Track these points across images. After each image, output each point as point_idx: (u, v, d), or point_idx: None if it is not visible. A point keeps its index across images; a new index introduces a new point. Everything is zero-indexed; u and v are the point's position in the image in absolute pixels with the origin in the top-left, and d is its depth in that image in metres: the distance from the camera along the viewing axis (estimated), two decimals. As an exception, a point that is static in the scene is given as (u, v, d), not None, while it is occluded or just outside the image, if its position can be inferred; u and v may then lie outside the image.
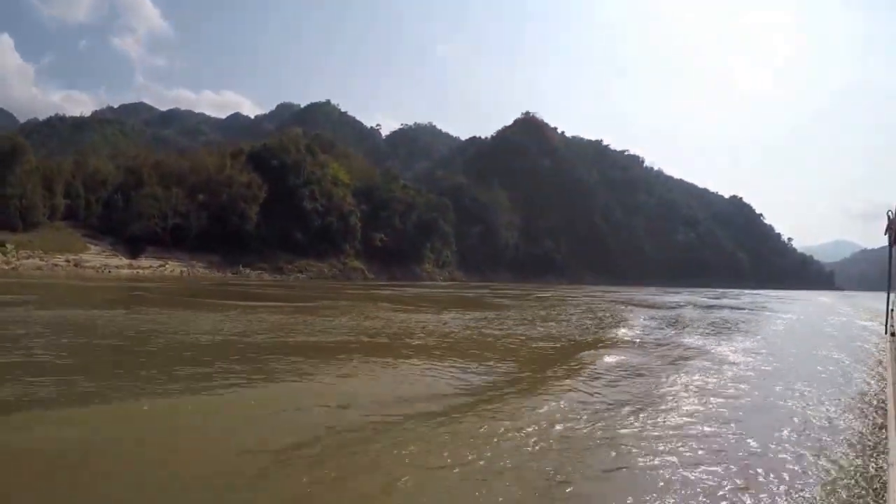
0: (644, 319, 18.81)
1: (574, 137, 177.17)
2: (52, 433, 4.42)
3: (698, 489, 3.96)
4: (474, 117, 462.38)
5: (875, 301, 39.06)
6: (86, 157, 58.50)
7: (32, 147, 53.48)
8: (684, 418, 5.88)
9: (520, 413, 5.61)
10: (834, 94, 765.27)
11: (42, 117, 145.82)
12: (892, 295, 10.11)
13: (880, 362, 10.75)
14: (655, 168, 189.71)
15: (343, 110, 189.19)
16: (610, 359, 9.65)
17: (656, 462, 4.47)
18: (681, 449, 4.82)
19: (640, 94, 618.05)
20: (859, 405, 6.92)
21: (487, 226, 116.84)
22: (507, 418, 5.36)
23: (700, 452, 4.78)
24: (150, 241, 56.49)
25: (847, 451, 4.93)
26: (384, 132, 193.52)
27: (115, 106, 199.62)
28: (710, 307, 29.73)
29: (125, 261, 52.63)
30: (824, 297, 62.69)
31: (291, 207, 73.38)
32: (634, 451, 4.69)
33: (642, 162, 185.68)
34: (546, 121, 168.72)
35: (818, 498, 3.89)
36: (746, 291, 74.65)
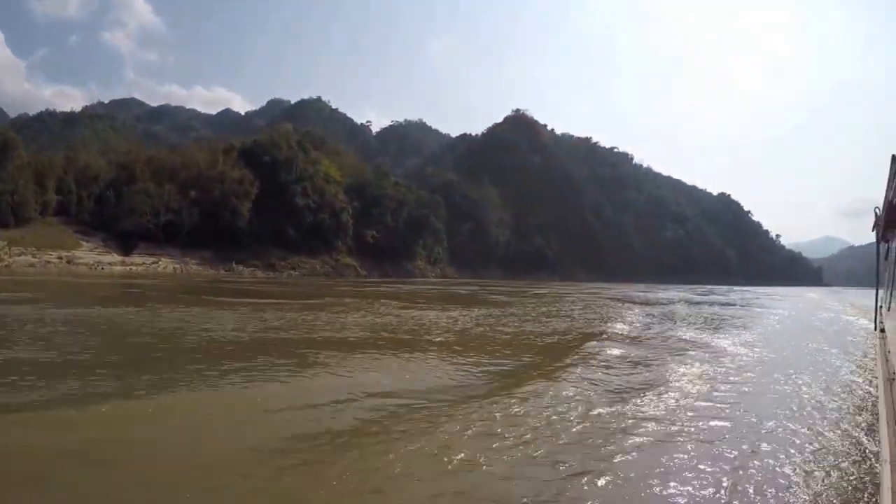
0: (641, 315, 19.54)
1: (564, 135, 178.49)
2: (150, 422, 4.88)
3: (712, 452, 4.66)
4: (465, 115, 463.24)
5: (862, 297, 40.40)
6: (77, 153, 57.81)
7: (23, 142, 52.71)
8: (693, 399, 6.67)
9: (545, 394, 6.39)
10: (823, 94, 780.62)
11: (33, 112, 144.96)
12: (880, 291, 10.17)
13: (866, 354, 11.54)
14: (644, 165, 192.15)
15: (334, 107, 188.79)
16: (617, 351, 10.45)
17: (673, 430, 5.22)
18: (693, 420, 5.60)
19: (632, 91, 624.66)
20: (847, 390, 7.75)
21: (478, 223, 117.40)
22: (534, 397, 6.22)
23: (712, 423, 5.56)
24: (143, 238, 56.09)
25: (836, 426, 5.71)
26: (374, 129, 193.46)
27: (106, 101, 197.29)
28: (702, 304, 30.68)
29: (118, 257, 52.26)
30: (813, 294, 64.53)
31: (283, 204, 73.20)
32: (649, 426, 5.40)
33: (631, 159, 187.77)
34: (537, 119, 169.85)
35: (815, 461, 4.59)
36: (736, 288, 76.33)
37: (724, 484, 4.01)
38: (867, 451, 4.88)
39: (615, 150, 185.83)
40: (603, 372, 8.24)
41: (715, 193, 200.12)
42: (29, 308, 14.10)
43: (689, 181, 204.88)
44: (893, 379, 4.88)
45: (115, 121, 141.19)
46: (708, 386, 7.60)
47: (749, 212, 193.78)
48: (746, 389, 7.51)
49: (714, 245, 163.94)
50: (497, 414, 5.47)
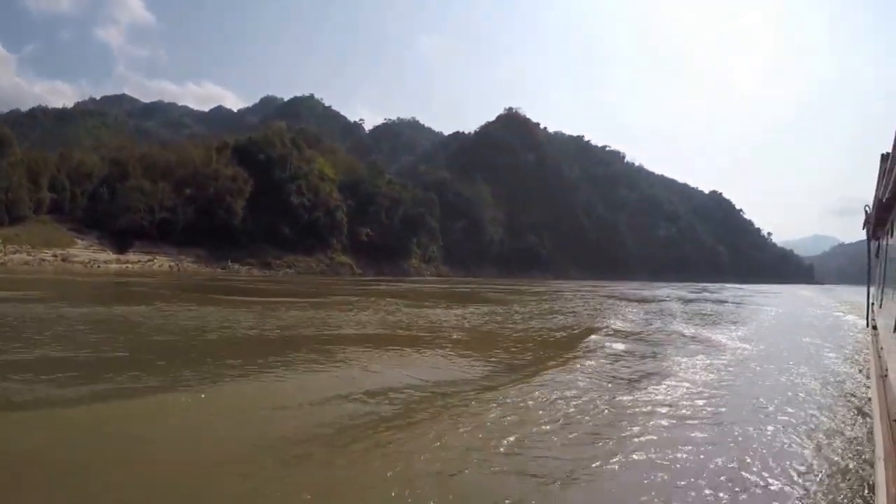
0: (640, 313, 20.17)
1: (556, 133, 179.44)
2: (219, 410, 5.30)
3: (723, 430, 5.26)
4: (457, 113, 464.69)
5: (854, 294, 41.37)
6: (70, 150, 57.35)
7: (15, 139, 52.16)
8: (701, 387, 7.31)
9: (566, 382, 7.06)
10: (811, 93, 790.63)
11: (24, 108, 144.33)
12: (871, 288, 10.50)
13: (856, 350, 12.13)
14: (636, 163, 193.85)
15: (327, 104, 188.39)
16: (623, 345, 11.16)
17: (687, 413, 5.82)
18: (703, 405, 6.26)
19: (625, 89, 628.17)
20: (840, 379, 8.40)
21: (472, 221, 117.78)
22: (556, 384, 6.95)
23: (720, 408, 6.19)
24: (137, 236, 55.84)
25: (829, 405, 6.51)
26: (367, 127, 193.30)
27: (98, 97, 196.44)
28: (696, 301, 31.42)
29: (113, 255, 52.02)
30: (805, 291, 65.97)
31: (278, 202, 73.08)
32: (666, 410, 5.98)
33: (623, 157, 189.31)
34: (529, 117, 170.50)
35: (812, 436, 5.21)
36: (728, 286, 77.63)
37: (733, 455, 4.62)
38: (859, 439, 5.44)
39: (607, 148, 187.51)
40: (613, 363, 8.94)
41: (706, 191, 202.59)
42: (43, 307, 14.22)
43: (680, 179, 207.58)
44: (886, 375, 4.90)
45: (106, 117, 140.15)
46: (713, 375, 8.23)
47: (740, 210, 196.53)
48: (748, 379, 8.19)
49: (706, 243, 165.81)
50: (529, 402, 6.00)
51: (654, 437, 5.01)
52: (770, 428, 5.50)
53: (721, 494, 3.83)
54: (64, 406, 5.18)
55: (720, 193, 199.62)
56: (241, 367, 7.14)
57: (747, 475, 4.20)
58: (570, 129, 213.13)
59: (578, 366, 8.37)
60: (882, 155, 5.28)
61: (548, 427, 5.14)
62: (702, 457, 4.55)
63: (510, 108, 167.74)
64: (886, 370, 5.02)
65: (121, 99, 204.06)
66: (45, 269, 42.81)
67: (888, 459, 2.94)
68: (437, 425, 5.00)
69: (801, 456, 4.68)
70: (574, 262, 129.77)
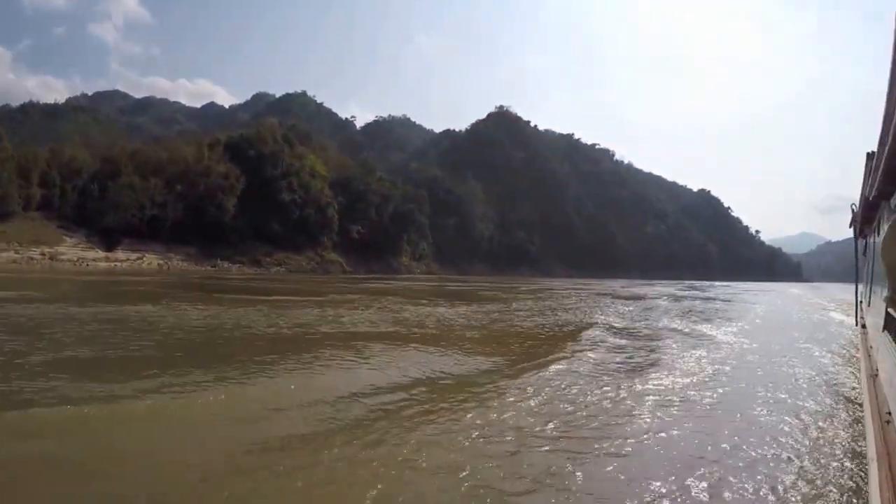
0: (636, 310, 20.84)
1: (546, 131, 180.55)
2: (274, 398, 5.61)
3: (719, 412, 5.95)
4: (449, 111, 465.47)
5: (841, 292, 42.73)
6: (62, 146, 56.44)
7: (6, 134, 51.13)
8: (697, 376, 8.05)
9: (578, 371, 7.70)
10: (799, 93, 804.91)
11: (16, 103, 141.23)
12: (859, 286, 10.58)
13: (842, 346, 12.78)
14: (625, 161, 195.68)
15: (319, 101, 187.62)
16: (623, 340, 11.85)
17: (688, 396, 6.52)
18: (701, 391, 7.04)
19: (622, 88, 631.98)
20: (829, 370, 9.11)
21: (462, 218, 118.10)
22: (563, 373, 7.78)
23: (718, 391, 6.99)
24: (126, 233, 55.18)
25: (821, 391, 7.35)
26: (359, 124, 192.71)
27: (90, 93, 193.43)
28: (688, 298, 32.23)
29: (101, 253, 51.42)
30: (794, 289, 67.67)
31: (269, 199, 72.60)
32: (668, 395, 6.55)
33: (612, 155, 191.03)
34: (520, 115, 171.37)
35: (800, 417, 5.92)
36: (717, 284, 79.26)
37: (728, 435, 5.23)
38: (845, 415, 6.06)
39: (597, 146, 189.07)
40: (617, 355, 9.75)
41: (695, 190, 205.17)
42: (51, 308, 14.23)
43: (669, 178, 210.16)
44: (876, 375, 4.93)
45: (98, 113, 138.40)
46: (709, 366, 8.94)
47: (729, 208, 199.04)
48: (741, 369, 8.96)
49: (695, 241, 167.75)
50: (546, 388, 6.71)
51: (663, 418, 5.69)
52: (762, 410, 6.23)
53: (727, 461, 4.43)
54: (120, 401, 5.44)
55: (708, 191, 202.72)
56: (281, 363, 7.54)
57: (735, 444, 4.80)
58: (567, 128, 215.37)
59: (586, 357, 9.17)
60: (868, 153, 5.35)
61: (570, 407, 5.89)
62: (706, 439, 5.10)
63: (501, 106, 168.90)
64: (877, 370, 5.04)
65: (112, 95, 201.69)
66: (33, 267, 42.22)
67: (881, 460, 2.94)
68: (477, 407, 5.68)
69: (791, 434, 5.26)
70: (563, 259, 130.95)
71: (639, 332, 13.53)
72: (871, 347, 6.40)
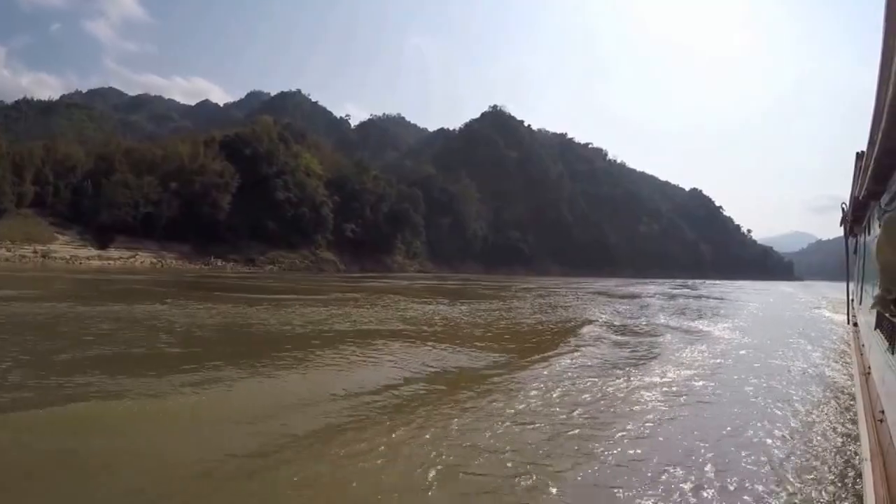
0: (633, 307, 21.36)
1: (540, 130, 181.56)
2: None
3: (718, 398, 6.50)
4: (443, 110, 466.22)
5: (833, 290, 43.63)
6: (56, 143, 55.93)
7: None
8: (696, 368, 8.57)
9: (586, 362, 8.07)
10: (791, 91, 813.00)
11: (10, 100, 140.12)
12: (850, 285, 11.01)
13: (833, 341, 13.27)
14: (618, 160, 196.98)
15: (313, 100, 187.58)
16: (622, 336, 12.36)
17: (688, 384, 6.81)
18: (701, 381, 7.63)
19: (613, 88, 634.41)
20: (821, 365, 9.55)
21: (456, 217, 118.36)
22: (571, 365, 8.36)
23: (717, 378, 7.54)
24: (119, 231, 54.89)
25: (814, 382, 7.91)
26: (353, 122, 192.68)
27: (84, 90, 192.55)
28: (682, 296, 32.83)
29: (94, 251, 51.09)
30: (786, 287, 68.92)
31: (263, 197, 72.46)
32: (669, 384, 6.94)
33: (605, 155, 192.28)
34: (514, 114, 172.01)
35: (794, 403, 6.47)
36: (708, 282, 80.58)
37: (731, 419, 5.73)
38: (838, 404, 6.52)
39: (590, 145, 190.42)
40: (620, 348, 10.37)
41: (687, 189, 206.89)
42: (62, 307, 14.25)
43: (661, 177, 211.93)
44: (868, 373, 4.97)
45: (92, 110, 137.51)
46: (710, 359, 9.47)
47: (720, 207, 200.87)
48: (740, 362, 9.49)
49: (688, 239, 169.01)
50: (563, 380, 7.12)
51: (664, 402, 6.24)
52: (759, 398, 6.77)
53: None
54: (167, 396, 5.68)
55: (700, 191, 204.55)
56: (308, 359, 7.91)
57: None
58: (563, 127, 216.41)
59: (593, 351, 9.74)
60: (857, 153, 5.39)
61: (588, 396, 6.40)
62: (708, 422, 5.56)
63: (494, 106, 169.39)
64: (869, 368, 5.09)
65: (107, 92, 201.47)
66: (25, 265, 41.87)
67: (874, 458, 2.96)
68: (504, 397, 6.14)
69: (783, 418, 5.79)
70: (557, 258, 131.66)
71: (639, 329, 14.03)
72: (863, 346, 6.50)
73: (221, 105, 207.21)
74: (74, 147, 57.67)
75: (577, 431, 4.97)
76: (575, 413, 5.57)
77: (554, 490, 3.72)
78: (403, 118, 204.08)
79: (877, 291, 4.90)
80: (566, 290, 36.10)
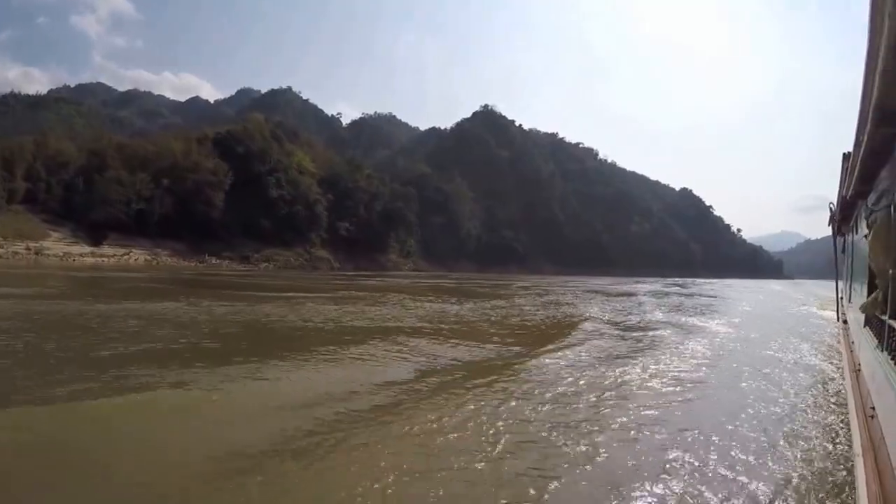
0: (630, 304, 22.09)
1: (531, 130, 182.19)
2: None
3: (717, 385, 7.07)
4: (435, 109, 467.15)
5: (821, 288, 44.83)
6: (47, 138, 55.18)
7: (-14, 126, 49.94)
8: (697, 358, 9.34)
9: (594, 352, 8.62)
10: (778, 91, 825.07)
11: None
12: (839, 283, 11.37)
13: (822, 338, 13.95)
14: (609, 160, 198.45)
15: (304, 98, 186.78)
16: (621, 331, 13.08)
17: (699, 376, 7.46)
18: (700, 369, 8.41)
19: (609, 87, 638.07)
20: (811, 357, 10.32)
21: (449, 216, 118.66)
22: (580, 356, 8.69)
23: (714, 367, 8.37)
24: (113, 228, 54.42)
25: (805, 369, 8.68)
26: (345, 121, 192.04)
27: (72, 85, 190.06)
28: (675, 294, 33.63)
29: (87, 248, 50.65)
30: (776, 286, 70.44)
31: (257, 195, 72.16)
32: (670, 371, 7.58)
33: (596, 154, 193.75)
34: (505, 113, 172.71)
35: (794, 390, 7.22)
36: (700, 280, 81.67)
37: (733, 402, 6.43)
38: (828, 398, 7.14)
39: (581, 145, 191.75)
40: (624, 342, 11.11)
41: (678, 189, 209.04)
42: (80, 305, 14.34)
43: (652, 177, 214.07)
44: (859, 370, 4.98)
45: (81, 105, 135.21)
46: (708, 351, 10.28)
47: (710, 207, 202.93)
48: (736, 353, 10.31)
49: (679, 239, 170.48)
50: (582, 369, 7.81)
51: (666, 388, 6.97)
52: (756, 384, 7.56)
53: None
54: (224, 387, 6.07)
55: (690, 190, 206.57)
56: (339, 354, 8.34)
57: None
58: (556, 126, 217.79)
59: (601, 345, 10.51)
60: (844, 154, 5.49)
61: (606, 382, 7.15)
62: (708, 407, 6.21)
63: (486, 105, 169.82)
64: (859, 365, 5.11)
65: (96, 87, 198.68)
66: (18, 262, 41.41)
67: (866, 454, 2.96)
68: (532, 384, 6.84)
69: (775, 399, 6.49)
70: (550, 257, 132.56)
71: (639, 324, 14.76)
72: (852, 343, 6.61)
73: (212, 101, 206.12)
74: (65, 143, 56.88)
75: (608, 411, 5.69)
76: (604, 395, 6.33)
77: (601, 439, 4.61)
78: (395, 117, 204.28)
79: (865, 290, 5.34)
80: (562, 288, 36.73)
